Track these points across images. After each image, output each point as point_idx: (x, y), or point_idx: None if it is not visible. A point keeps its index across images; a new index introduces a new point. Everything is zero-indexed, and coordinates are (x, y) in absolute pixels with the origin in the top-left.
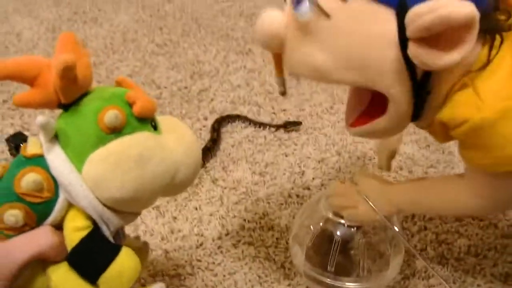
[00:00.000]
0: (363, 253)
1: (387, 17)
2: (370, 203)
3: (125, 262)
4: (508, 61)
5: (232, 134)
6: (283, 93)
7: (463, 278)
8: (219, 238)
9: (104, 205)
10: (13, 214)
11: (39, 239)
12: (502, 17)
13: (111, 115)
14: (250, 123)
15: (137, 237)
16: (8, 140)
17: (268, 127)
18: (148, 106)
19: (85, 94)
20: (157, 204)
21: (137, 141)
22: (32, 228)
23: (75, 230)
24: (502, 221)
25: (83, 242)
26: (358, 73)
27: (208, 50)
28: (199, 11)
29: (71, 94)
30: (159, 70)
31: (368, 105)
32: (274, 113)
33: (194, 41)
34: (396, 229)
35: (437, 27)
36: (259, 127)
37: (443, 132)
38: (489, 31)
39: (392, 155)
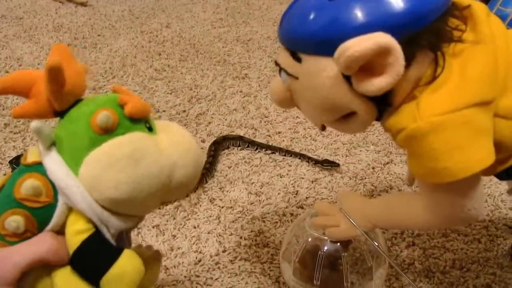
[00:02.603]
0: (346, 266)
1: (330, 64)
2: (351, 220)
3: (126, 264)
4: (454, 78)
5: (228, 156)
6: (323, 129)
7: None
8: (217, 254)
9: (103, 207)
10: (15, 220)
11: (39, 244)
12: (457, 24)
13: (102, 116)
14: (283, 153)
15: (149, 246)
16: (11, 162)
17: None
18: (139, 106)
19: (79, 101)
20: (157, 223)
21: (129, 140)
22: (34, 234)
23: (76, 233)
24: (485, 237)
25: (84, 244)
26: (331, 111)
27: (205, 75)
28: (197, 37)
29: (62, 100)
30: (157, 94)
31: None
32: (269, 135)
33: (192, 66)
34: (375, 243)
35: (353, 64)
36: (285, 155)
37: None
38: (431, 48)
39: None
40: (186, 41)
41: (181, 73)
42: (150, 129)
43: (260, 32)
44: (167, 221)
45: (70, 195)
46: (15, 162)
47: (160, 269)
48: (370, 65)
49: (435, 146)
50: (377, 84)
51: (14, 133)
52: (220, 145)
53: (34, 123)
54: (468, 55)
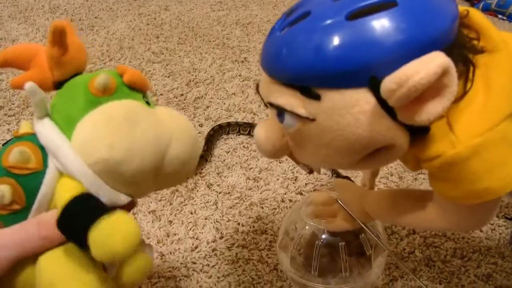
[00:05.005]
0: (344, 255)
1: (363, 96)
2: (348, 211)
3: (119, 217)
4: (480, 93)
5: (226, 141)
6: (311, 172)
7: (449, 279)
8: (214, 241)
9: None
10: (0, 189)
11: (29, 238)
12: (472, 36)
13: (101, 78)
14: None
15: (141, 241)
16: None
17: None
18: (138, 76)
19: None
20: (153, 208)
21: (126, 103)
22: (22, 208)
23: (67, 190)
24: (487, 225)
25: (75, 199)
26: (361, 151)
27: (204, 58)
28: (196, 19)
29: (63, 68)
30: (155, 77)
31: None
32: None
33: (190, 49)
34: (374, 233)
35: (414, 94)
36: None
37: (415, 161)
38: (463, 61)
39: (375, 173)
40: (185, 24)
41: (179, 56)
42: (148, 103)
43: (259, 15)
44: (164, 206)
45: (61, 158)
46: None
47: (151, 263)
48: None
49: (476, 168)
50: (434, 110)
51: (9, 116)
52: (220, 129)
53: (28, 84)
54: (487, 65)
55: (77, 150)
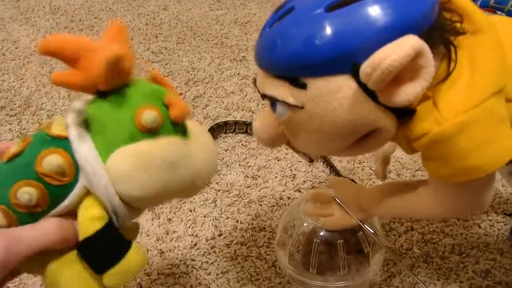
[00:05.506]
0: (342, 253)
1: (346, 82)
2: (345, 208)
3: (133, 258)
4: (465, 72)
5: (225, 139)
6: (311, 161)
7: (447, 276)
8: (213, 238)
9: (121, 199)
10: (28, 192)
11: (48, 234)
12: (455, 18)
13: (150, 116)
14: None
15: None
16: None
17: None
18: (184, 111)
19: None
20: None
21: (169, 145)
22: (44, 210)
23: (91, 220)
24: (485, 221)
25: (98, 234)
26: (349, 136)
27: (202, 57)
28: (194, 19)
29: (112, 84)
30: None
31: None
32: None
33: (189, 49)
34: (372, 230)
35: (389, 76)
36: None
37: (407, 143)
38: (444, 42)
39: (386, 161)
40: (184, 23)
41: (178, 55)
42: (185, 132)
43: (258, 14)
44: (163, 204)
45: (93, 182)
46: None
47: (135, 239)
48: (399, 72)
49: (462, 146)
50: (412, 91)
51: (10, 116)
52: (225, 125)
53: (78, 104)
54: (472, 46)
55: (109, 176)
